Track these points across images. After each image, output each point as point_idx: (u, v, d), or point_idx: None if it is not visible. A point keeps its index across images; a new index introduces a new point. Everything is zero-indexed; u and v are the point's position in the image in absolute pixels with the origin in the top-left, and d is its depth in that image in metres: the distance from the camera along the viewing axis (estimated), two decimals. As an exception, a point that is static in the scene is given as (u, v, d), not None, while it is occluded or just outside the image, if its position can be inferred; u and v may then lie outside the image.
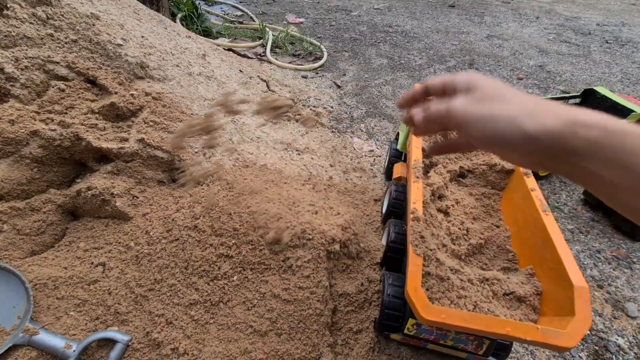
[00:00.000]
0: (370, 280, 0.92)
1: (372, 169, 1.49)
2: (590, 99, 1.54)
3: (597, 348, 0.91)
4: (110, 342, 0.78)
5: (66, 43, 1.04)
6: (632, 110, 1.36)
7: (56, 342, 0.75)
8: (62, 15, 1.05)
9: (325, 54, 2.56)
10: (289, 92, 1.96)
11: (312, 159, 1.38)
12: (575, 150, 0.29)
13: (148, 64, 1.15)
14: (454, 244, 0.78)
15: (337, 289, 0.87)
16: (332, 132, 1.71)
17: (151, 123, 1.04)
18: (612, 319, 0.98)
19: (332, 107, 1.96)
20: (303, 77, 2.30)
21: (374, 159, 1.56)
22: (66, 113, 0.98)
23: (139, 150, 1.00)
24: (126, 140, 1.02)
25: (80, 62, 1.04)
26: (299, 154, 1.38)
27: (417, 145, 0.89)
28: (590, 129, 0.29)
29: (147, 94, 1.09)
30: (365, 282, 0.91)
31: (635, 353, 0.90)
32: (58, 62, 1.01)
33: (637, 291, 1.05)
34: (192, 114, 1.16)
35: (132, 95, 1.06)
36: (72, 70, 1.03)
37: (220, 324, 0.79)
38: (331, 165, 1.40)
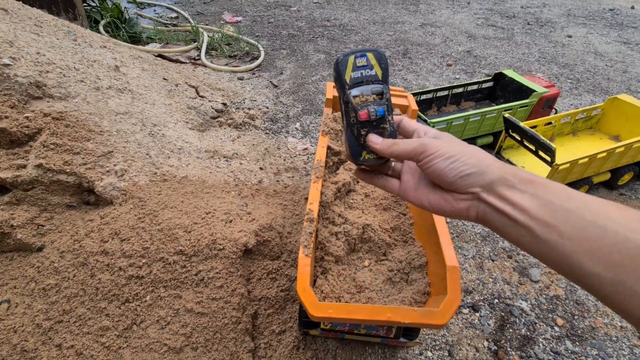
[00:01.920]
0: (293, 279, 0.94)
1: (305, 167, 1.51)
2: (500, 81, 1.66)
3: (503, 314, 0.99)
4: (16, 383, 0.74)
5: (-60, 68, 0.95)
6: (533, 90, 1.47)
7: (-50, 393, 0.70)
8: None
9: (263, 53, 2.54)
10: (222, 95, 1.93)
11: (240, 164, 1.38)
12: (512, 185, 0.36)
13: (45, 83, 1.08)
14: (358, 236, 0.81)
15: (256, 293, 0.88)
16: (266, 133, 1.71)
17: (52, 146, 0.99)
18: (518, 284, 1.07)
19: (267, 108, 1.95)
20: (239, 78, 2.27)
21: (308, 157, 1.58)
22: (-53, 145, 0.90)
23: (38, 176, 0.94)
24: (23, 167, 0.95)
25: (-39, 87, 0.96)
26: (227, 160, 1.36)
27: (322, 145, 0.91)
28: (522, 172, 0.36)
29: (45, 115, 1.03)
30: (287, 282, 0.93)
31: (536, 314, 1.00)
32: None
33: (540, 256, 1.16)
34: (101, 131, 1.11)
35: (27, 117, 0.99)
36: (-49, 96, 0.94)
37: (134, 347, 0.78)
38: (261, 169, 1.40)
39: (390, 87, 1.19)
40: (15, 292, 0.88)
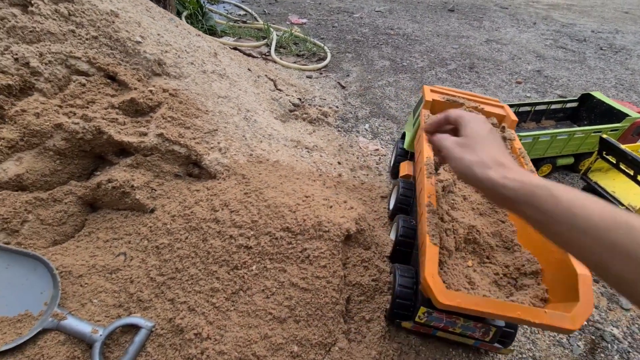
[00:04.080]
0: (381, 271, 0.96)
1: (377, 167, 1.53)
2: (587, 103, 1.61)
3: (593, 337, 0.96)
4: (134, 328, 0.81)
5: (87, 39, 1.06)
6: (626, 115, 1.42)
7: (83, 327, 0.78)
8: (83, 12, 1.08)
9: (329, 55, 2.60)
10: (295, 91, 2.00)
11: (320, 156, 1.43)
12: (508, 198, 0.44)
13: (165, 61, 1.19)
14: (463, 236, 0.82)
15: (350, 279, 0.91)
16: (338, 131, 1.76)
17: (169, 118, 1.08)
18: (608, 310, 1.03)
19: (337, 107, 2.00)
20: (308, 77, 2.34)
21: (379, 158, 1.60)
22: (87, 107, 1.01)
23: (158, 144, 1.03)
24: (145, 134, 1.05)
25: (101, 58, 1.07)
26: (309, 152, 1.41)
27: (427, 143, 0.93)
28: (514, 182, 0.43)
29: (164, 91, 1.12)
30: (377, 272, 0.96)
31: (629, 342, 0.96)
32: (79, 58, 1.04)
33: (631, 285, 1.11)
34: (207, 111, 1.20)
35: (150, 91, 1.09)
36: (93, 65, 1.05)
37: (241, 311, 0.83)
38: (339, 163, 1.44)
39: (486, 96, 1.20)
40: (130, 247, 0.96)
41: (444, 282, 0.67)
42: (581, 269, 0.63)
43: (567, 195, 0.39)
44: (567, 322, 0.59)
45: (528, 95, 2.28)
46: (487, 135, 0.52)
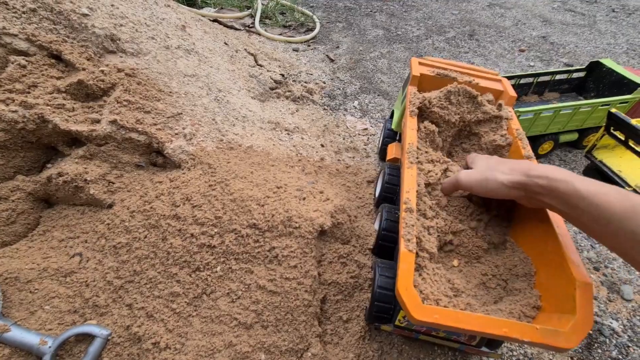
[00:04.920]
0: (362, 266, 0.89)
1: (365, 149, 1.42)
2: (595, 72, 1.46)
3: (591, 332, 0.89)
4: (89, 337, 0.75)
5: (23, 13, 0.93)
6: (638, 84, 1.28)
7: (30, 338, 0.71)
8: (18, -20, 0.94)
9: (318, 25, 2.41)
10: (279, 66, 1.85)
11: (302, 138, 1.31)
12: (535, 192, 0.51)
13: (119, 37, 1.05)
14: (446, 233, 0.73)
15: (326, 277, 0.83)
16: (324, 109, 1.63)
17: (125, 102, 0.96)
18: (607, 302, 0.96)
19: (324, 83, 1.85)
20: (294, 50, 2.17)
21: (368, 138, 1.49)
22: (29, 92, 0.89)
23: (112, 132, 0.92)
24: (98, 121, 0.94)
25: (42, 35, 0.94)
26: (289, 134, 1.30)
27: (412, 127, 0.82)
28: (540, 179, 0.50)
29: (119, 70, 1.00)
30: (357, 268, 0.88)
31: (629, 336, 0.89)
32: (16, 35, 0.91)
33: (633, 273, 1.03)
34: (170, 92, 1.07)
35: (102, 71, 0.97)
36: (33, 43, 0.93)
37: (204, 317, 0.76)
38: (322, 146, 1.33)
39: (482, 68, 1.07)
40: (86, 247, 0.88)
41: (421, 291, 0.58)
42: (580, 275, 0.54)
43: (589, 187, 0.42)
44: (562, 340, 0.50)
45: (531, 64, 2.12)
46: (493, 159, 0.66)
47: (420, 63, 1.03)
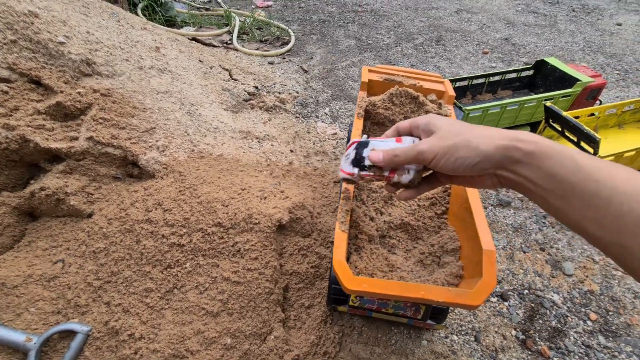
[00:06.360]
0: (322, 257, 0.97)
1: (334, 152, 1.52)
2: (541, 70, 1.58)
3: (533, 305, 0.98)
4: (71, 333, 0.82)
5: (5, 44, 1.02)
6: (577, 79, 1.40)
7: (16, 336, 0.78)
8: (-2, 15, 1.03)
9: (293, 38, 2.54)
10: (254, 79, 1.96)
11: (272, 145, 1.41)
12: (517, 160, 0.37)
13: (95, 60, 1.15)
14: (388, 222, 0.82)
15: (287, 267, 0.92)
16: (296, 117, 1.73)
17: (101, 120, 1.05)
18: (550, 277, 1.05)
19: (297, 92, 1.96)
20: (270, 63, 2.29)
21: (337, 142, 1.59)
22: (11, 115, 0.98)
23: (89, 148, 1.01)
24: (76, 139, 1.02)
25: (22, 63, 1.03)
26: (259, 142, 1.40)
27: (357, 127, 0.92)
28: (526, 144, 0.37)
29: (95, 91, 1.09)
30: (317, 259, 0.96)
31: (567, 307, 0.98)
32: (-2, 64, 1.00)
33: (575, 251, 1.12)
34: (144, 109, 1.17)
35: (79, 93, 1.06)
36: (14, 71, 1.02)
37: (175, 309, 0.83)
38: (292, 151, 1.43)
39: (427, 72, 1.17)
40: (68, 253, 0.96)
41: (356, 267, 0.67)
42: (487, 244, 0.63)
43: (590, 160, 0.34)
44: (470, 298, 0.59)
45: (493, 65, 2.25)
46: (458, 121, 0.44)
47: (370, 70, 1.14)
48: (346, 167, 0.53)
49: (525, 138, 0.37)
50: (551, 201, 0.36)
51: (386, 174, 0.50)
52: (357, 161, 0.52)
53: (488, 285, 0.60)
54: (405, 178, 0.48)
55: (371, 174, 0.51)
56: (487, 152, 0.38)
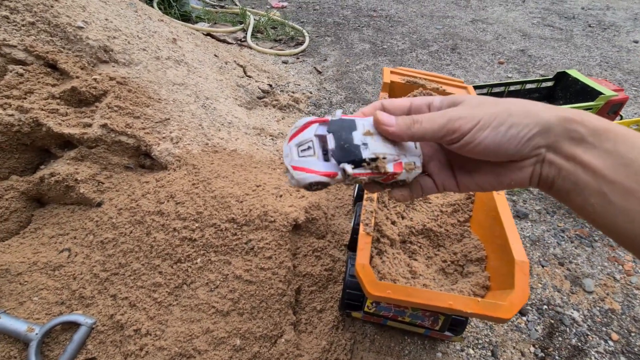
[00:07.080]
0: (336, 260, 0.94)
1: (347, 154, 1.49)
2: (562, 82, 1.56)
3: (552, 321, 0.94)
4: (74, 325, 0.79)
5: (23, 26, 1.00)
6: (600, 93, 1.37)
7: (18, 325, 0.75)
8: (19, -3, 1.02)
9: (307, 39, 2.52)
10: (267, 77, 1.94)
11: (285, 144, 1.38)
12: (581, 138, 0.28)
13: (112, 48, 1.13)
14: (409, 227, 0.79)
15: (300, 269, 0.88)
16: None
17: (116, 108, 1.03)
18: (570, 294, 1.02)
19: (311, 93, 1.94)
20: (284, 62, 2.27)
21: (350, 144, 1.56)
22: (25, 98, 0.96)
23: (102, 135, 0.99)
24: (89, 125, 1.00)
25: (39, 46, 1.01)
26: (273, 139, 1.37)
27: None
28: (591, 118, 0.29)
29: (111, 79, 1.07)
30: (331, 262, 0.93)
31: (588, 325, 0.94)
32: (15, 46, 0.98)
33: (595, 268, 1.09)
34: (159, 99, 1.15)
35: (95, 79, 1.04)
36: (31, 54, 1.00)
37: (184, 306, 0.80)
38: (305, 150, 1.40)
39: (450, 77, 1.15)
40: (75, 242, 0.93)
41: (379, 271, 0.64)
42: (519, 255, 0.60)
43: None
44: (501, 311, 0.56)
45: (509, 75, 2.22)
46: (492, 98, 0.33)
47: (392, 72, 1.11)
48: (314, 165, 0.33)
49: (587, 117, 0.29)
50: (614, 199, 0.26)
51: (390, 169, 0.33)
52: (344, 153, 0.33)
53: (521, 298, 0.56)
54: (414, 172, 0.35)
55: (368, 172, 0.33)
56: (549, 120, 0.28)
